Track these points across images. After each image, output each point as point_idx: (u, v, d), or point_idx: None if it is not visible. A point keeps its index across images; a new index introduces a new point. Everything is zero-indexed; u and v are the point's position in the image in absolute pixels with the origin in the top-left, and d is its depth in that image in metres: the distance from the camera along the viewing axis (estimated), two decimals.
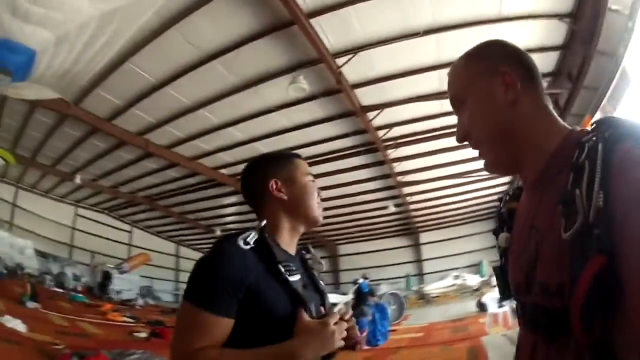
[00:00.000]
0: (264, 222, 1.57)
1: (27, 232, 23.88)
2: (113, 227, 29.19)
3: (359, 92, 11.66)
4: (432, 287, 23.57)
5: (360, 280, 12.15)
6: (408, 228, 27.07)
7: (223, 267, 1.36)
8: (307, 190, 1.68)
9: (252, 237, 1.45)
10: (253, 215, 1.69)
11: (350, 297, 12.66)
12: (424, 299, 23.57)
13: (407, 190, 19.66)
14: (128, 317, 16.28)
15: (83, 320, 13.38)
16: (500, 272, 1.29)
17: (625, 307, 0.80)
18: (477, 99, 1.17)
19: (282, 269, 1.43)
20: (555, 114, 1.15)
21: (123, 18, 7.75)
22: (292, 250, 1.65)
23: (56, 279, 23.36)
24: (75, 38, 8.04)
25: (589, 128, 1.02)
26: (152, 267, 28.04)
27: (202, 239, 29.73)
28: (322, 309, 1.54)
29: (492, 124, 1.14)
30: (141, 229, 30.90)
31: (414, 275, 27.04)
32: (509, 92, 1.12)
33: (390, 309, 15.38)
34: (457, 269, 23.77)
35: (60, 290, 21.73)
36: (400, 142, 14.55)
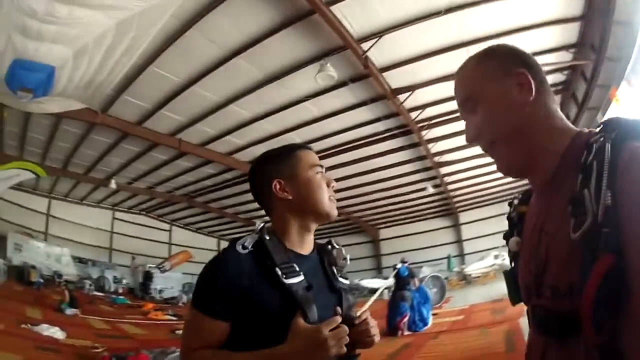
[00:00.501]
0: (262, 224, 1.59)
1: (64, 240, 24.74)
2: (152, 227, 29.91)
3: (387, 75, 11.53)
4: (473, 268, 23.22)
5: (399, 265, 11.99)
6: (447, 208, 26.88)
7: (218, 274, 1.41)
8: (313, 185, 1.58)
9: (250, 241, 1.47)
10: None
11: (391, 281, 12.57)
12: (465, 280, 23.35)
13: (444, 170, 19.48)
14: (170, 315, 16.52)
15: (124, 321, 13.59)
16: (511, 276, 1.32)
17: (632, 306, 0.82)
18: (493, 98, 1.16)
19: (279, 272, 1.40)
20: (564, 117, 1.16)
21: (140, 25, 7.83)
22: (304, 249, 1.60)
23: (96, 283, 24.08)
24: (93, 49, 8.19)
25: (596, 129, 1.05)
26: (195, 263, 28.07)
27: (243, 232, 29.75)
28: (338, 309, 1.47)
29: (507, 124, 1.13)
30: (181, 227, 31.48)
31: (455, 257, 26.69)
32: (523, 93, 1.12)
33: (432, 292, 15.27)
34: (496, 248, 23.39)
35: (101, 294, 22.39)
36: (434, 123, 14.39)
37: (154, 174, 20.01)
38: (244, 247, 1.43)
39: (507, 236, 1.34)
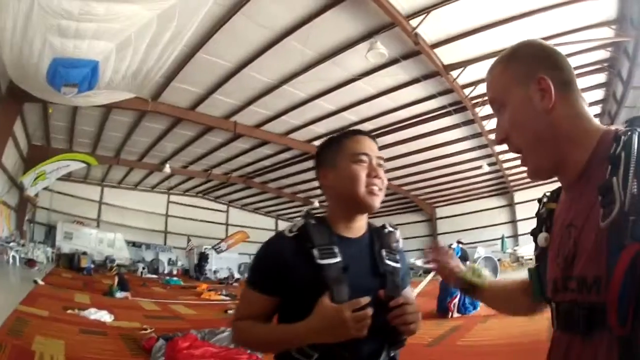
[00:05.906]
0: (307, 208, 1.71)
1: (117, 225, 25.81)
2: (208, 209, 30.63)
3: (439, 51, 11.42)
4: (526, 249, 22.74)
5: (454, 246, 11.85)
6: (503, 187, 26.42)
7: (263, 255, 1.56)
8: (350, 175, 1.54)
9: (297, 225, 1.54)
10: None
11: None
12: (518, 261, 22.94)
13: (499, 148, 19.06)
14: (224, 295, 16.65)
15: (176, 302, 13.61)
16: (535, 274, 1.30)
17: None
18: (516, 105, 1.16)
19: (315, 253, 1.45)
20: (592, 115, 1.14)
21: (182, 14, 8.04)
22: (352, 233, 1.60)
23: (150, 265, 25.00)
24: (137, 40, 8.47)
25: (622, 126, 1.06)
26: (252, 243, 28.61)
27: (300, 212, 30.08)
28: (381, 292, 1.46)
29: (531, 131, 1.13)
30: (238, 208, 32.06)
31: (509, 237, 26.21)
32: (545, 98, 1.10)
33: None
34: None
35: (154, 276, 23.03)
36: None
37: (210, 157, 20.49)
38: (290, 231, 1.53)
39: (535, 232, 1.31)
